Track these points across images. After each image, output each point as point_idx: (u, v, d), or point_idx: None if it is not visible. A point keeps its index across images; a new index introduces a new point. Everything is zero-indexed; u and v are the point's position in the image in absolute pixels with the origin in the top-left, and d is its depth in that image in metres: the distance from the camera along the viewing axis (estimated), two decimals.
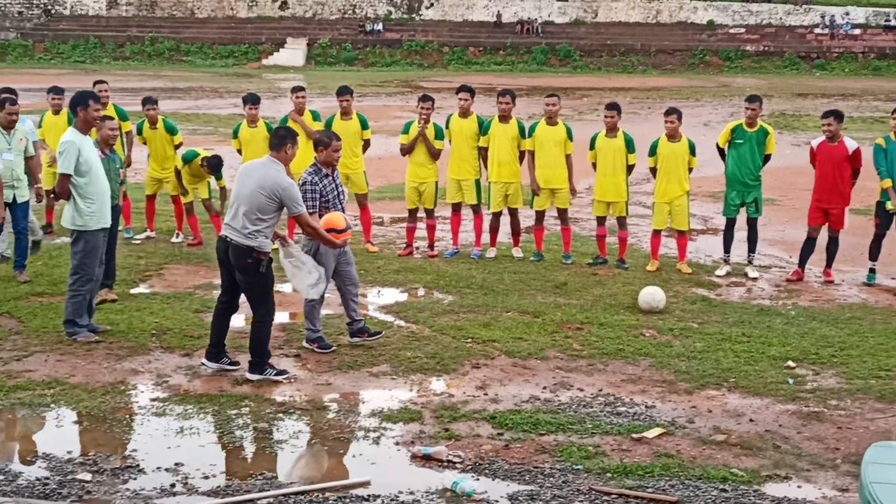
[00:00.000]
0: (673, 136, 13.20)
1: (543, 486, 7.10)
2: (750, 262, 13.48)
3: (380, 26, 62.44)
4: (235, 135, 14.52)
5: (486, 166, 13.83)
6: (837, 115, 12.97)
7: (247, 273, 9.01)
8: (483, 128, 13.63)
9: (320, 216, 9.61)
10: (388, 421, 8.23)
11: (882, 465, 5.71)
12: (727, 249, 13.52)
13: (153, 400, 8.60)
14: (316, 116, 14.52)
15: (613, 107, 13.45)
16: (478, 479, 7.19)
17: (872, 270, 13.10)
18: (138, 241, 14.45)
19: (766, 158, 13.27)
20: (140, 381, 9.06)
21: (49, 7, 65.98)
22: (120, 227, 12.43)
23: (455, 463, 7.45)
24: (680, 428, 8.19)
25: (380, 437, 7.94)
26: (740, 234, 13.55)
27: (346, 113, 14.05)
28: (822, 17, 62.31)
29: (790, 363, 9.78)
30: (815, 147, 13.15)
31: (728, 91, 45.10)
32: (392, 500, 6.90)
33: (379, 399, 8.76)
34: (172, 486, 7.05)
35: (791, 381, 9.31)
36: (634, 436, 7.97)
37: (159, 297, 11.67)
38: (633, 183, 15.33)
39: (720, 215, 14.46)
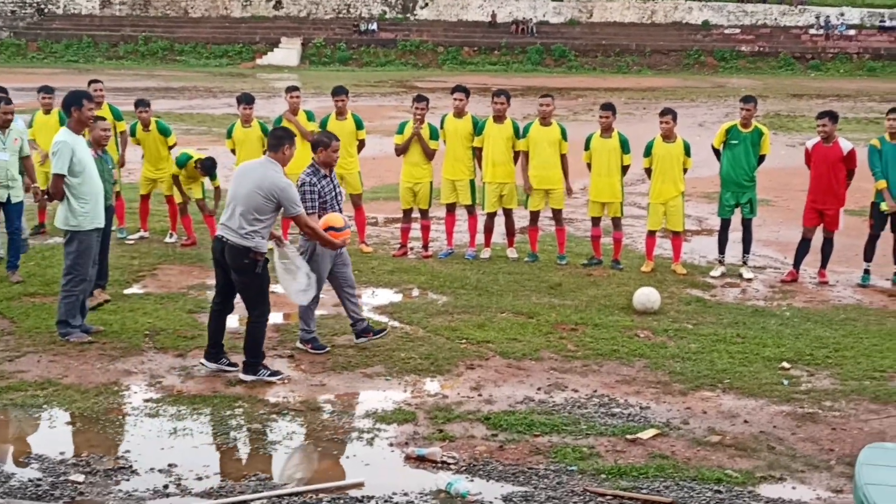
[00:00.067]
0: (668, 136, 13.20)
1: (538, 488, 7.09)
2: (744, 263, 13.47)
3: (374, 26, 62.41)
4: (229, 135, 14.48)
5: (480, 167, 13.81)
6: (832, 116, 12.98)
7: (243, 273, 8.99)
8: (478, 128, 13.62)
9: (319, 217, 9.59)
10: (382, 422, 8.21)
11: (876, 466, 5.70)
12: (722, 250, 13.53)
13: (146, 401, 8.58)
14: (310, 116, 14.50)
15: (608, 107, 13.45)
16: (472, 481, 7.17)
17: (867, 271, 13.10)
18: (132, 242, 14.42)
19: (761, 159, 13.28)
20: (133, 381, 9.03)
21: (42, 6, 65.83)
22: (113, 228, 12.40)
23: (449, 464, 7.43)
24: (674, 429, 8.18)
25: (374, 438, 7.93)
26: (735, 234, 13.55)
27: (341, 113, 14.02)
28: (817, 17, 62.37)
29: (785, 364, 9.78)
30: (809, 148, 13.15)
31: (723, 91, 45.12)
32: (386, 501, 6.89)
33: (373, 400, 8.74)
34: (165, 487, 7.03)
35: (786, 382, 9.31)
36: (629, 437, 7.96)
37: (153, 298, 11.64)
38: (628, 183, 15.32)
39: (715, 216, 14.48)
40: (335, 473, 7.35)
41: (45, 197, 11.21)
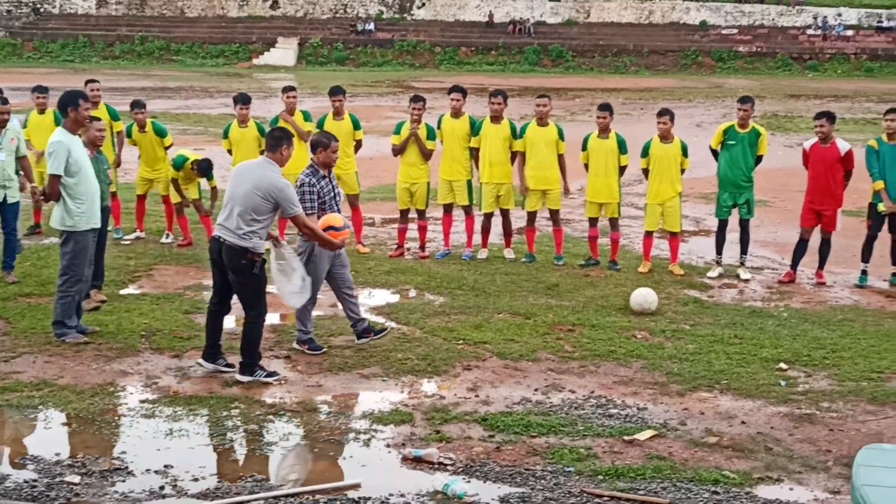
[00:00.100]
0: (665, 137, 13.19)
1: (535, 489, 7.08)
2: (742, 264, 13.46)
3: (371, 26, 62.35)
4: (226, 135, 14.47)
5: (477, 167, 13.80)
6: (830, 117, 12.97)
7: (240, 274, 8.97)
8: (475, 128, 13.60)
9: (318, 217, 9.56)
10: (379, 423, 8.20)
11: (873, 467, 5.69)
12: (719, 251, 13.51)
13: (142, 402, 8.56)
14: (307, 117, 14.48)
15: (605, 107, 13.44)
16: (469, 482, 7.17)
17: (864, 272, 13.10)
18: (128, 242, 14.39)
19: (759, 160, 13.27)
20: (129, 382, 9.01)
21: (38, 6, 65.71)
22: (109, 228, 12.37)
23: (446, 465, 7.42)
24: (672, 430, 8.17)
25: (370, 438, 7.91)
26: (732, 235, 13.53)
27: (338, 113, 14.00)
28: (815, 18, 62.37)
29: (782, 365, 9.77)
30: (807, 148, 13.14)
31: (720, 92, 45.11)
32: (383, 502, 6.88)
33: (370, 401, 8.73)
34: (162, 488, 7.01)
35: (783, 382, 9.30)
36: (626, 438, 7.95)
37: (149, 298, 11.61)
38: (626, 184, 15.29)
39: (712, 217, 14.48)
40: (332, 474, 7.34)
41: (42, 197, 11.18)
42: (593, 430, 8.11)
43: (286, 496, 6.92)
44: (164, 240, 14.52)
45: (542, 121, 13.46)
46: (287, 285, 9.30)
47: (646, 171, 13.45)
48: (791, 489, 7.21)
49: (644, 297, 11.52)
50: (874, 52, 59.28)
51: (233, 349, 9.42)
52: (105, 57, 58.94)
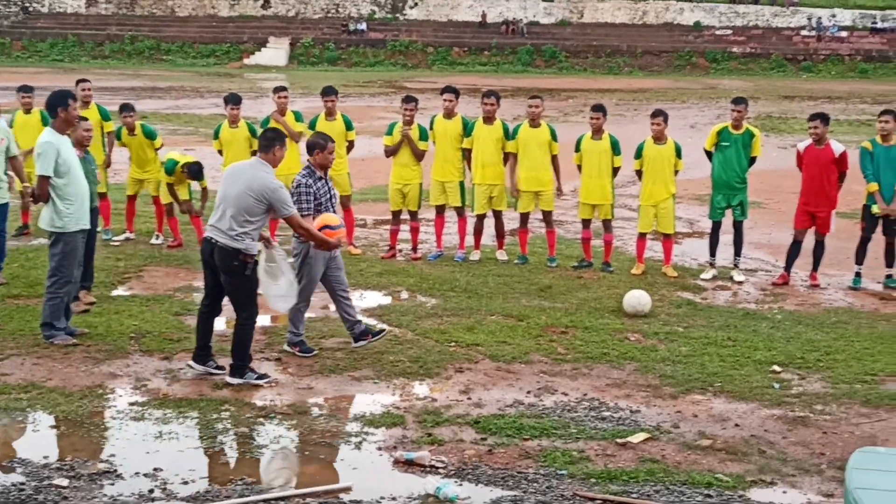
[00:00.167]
0: (659, 138, 13.16)
1: (527, 492, 7.05)
2: (736, 266, 13.43)
3: (363, 26, 62.33)
4: (216, 135, 14.40)
5: (470, 168, 13.76)
6: (824, 118, 12.95)
7: (232, 275, 8.93)
8: (467, 129, 13.56)
9: (313, 219, 9.53)
10: (371, 425, 8.15)
11: (866, 470, 5.65)
12: (713, 253, 13.48)
13: (132, 404, 8.49)
14: (298, 117, 14.43)
15: (599, 108, 13.42)
16: (461, 485, 7.13)
17: (858, 274, 13.08)
18: (117, 243, 14.31)
19: (752, 161, 13.24)
20: (118, 384, 8.94)
21: (27, 4, 65.51)
22: (99, 229, 12.30)
23: (438, 468, 7.38)
24: (665, 433, 8.14)
25: (362, 441, 7.87)
26: (726, 237, 13.51)
27: (330, 113, 13.95)
28: (809, 18, 62.51)
29: (776, 367, 9.75)
30: (801, 150, 13.12)
31: (714, 93, 45.16)
32: None
33: (361, 403, 8.69)
34: (151, 491, 6.95)
35: (776, 385, 9.27)
36: (619, 441, 7.92)
37: (138, 300, 11.55)
38: (619, 185, 15.29)
39: (706, 218, 14.45)
40: (323, 477, 7.28)
41: (31, 198, 11.11)
42: (586, 432, 8.07)
43: (277, 499, 6.87)
44: (153, 241, 14.45)
45: (534, 122, 13.41)
46: (273, 287, 9.26)
47: (639, 173, 13.42)
48: (784, 492, 7.18)
49: (637, 299, 11.48)
50: (868, 54, 59.41)
51: (223, 351, 9.37)
52: (95, 56, 58.80)
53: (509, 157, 13.54)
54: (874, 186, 12.69)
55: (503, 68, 57.53)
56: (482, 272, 13.20)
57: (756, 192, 16.16)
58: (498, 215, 13.83)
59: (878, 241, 13.00)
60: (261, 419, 8.24)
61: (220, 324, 9.88)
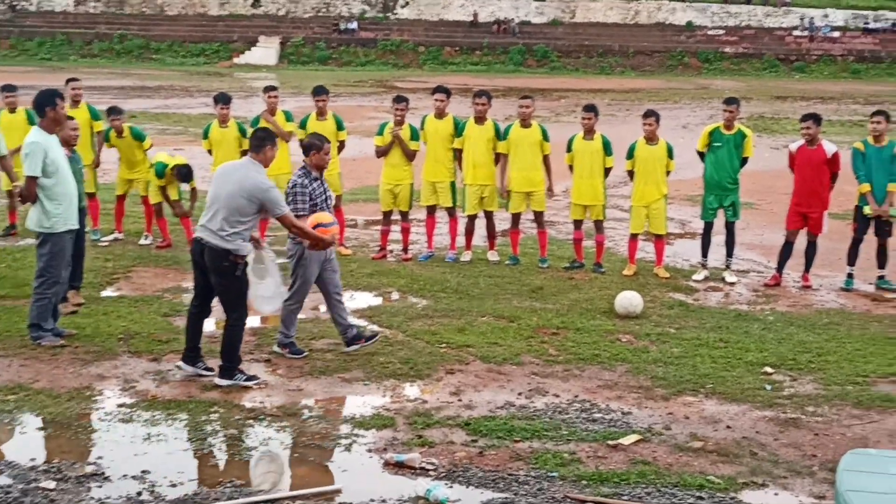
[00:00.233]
0: (651, 138, 13.14)
1: (518, 494, 7.02)
2: (727, 267, 13.41)
3: (354, 25, 62.28)
4: (206, 135, 14.35)
5: (461, 168, 13.72)
6: (816, 119, 12.93)
7: (223, 276, 8.88)
8: (458, 129, 13.52)
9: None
10: (361, 427, 8.11)
11: (857, 472, 5.64)
12: (705, 254, 13.46)
13: (120, 406, 8.44)
14: (289, 117, 14.39)
15: (591, 109, 13.38)
16: (451, 487, 7.09)
17: (850, 275, 13.07)
18: (105, 244, 14.23)
19: (744, 161, 13.22)
20: (106, 386, 8.89)
21: (14, 2, 65.26)
22: (87, 229, 12.23)
23: (428, 470, 7.35)
24: (656, 434, 8.12)
25: (352, 443, 7.83)
26: (718, 238, 13.49)
27: (321, 113, 13.92)
28: (802, 19, 62.64)
29: (767, 369, 9.73)
30: (793, 151, 13.10)
31: (707, 93, 45.23)
32: None
33: (351, 405, 8.65)
34: (139, 494, 6.90)
35: (768, 387, 9.26)
36: (610, 443, 7.89)
37: (127, 301, 11.49)
38: (611, 186, 15.26)
39: (698, 219, 14.44)
40: (312, 479, 7.24)
41: (19, 198, 11.05)
42: (577, 434, 8.04)
43: (266, 502, 6.83)
44: (142, 241, 14.37)
45: (525, 122, 13.38)
46: (260, 288, 9.22)
47: (631, 173, 13.39)
48: (776, 494, 7.16)
49: (629, 300, 11.46)
50: (861, 54, 59.58)
51: (212, 352, 9.31)
52: (83, 55, 58.64)
53: (500, 158, 13.51)
54: (866, 187, 12.69)
55: (495, 68, 57.52)
56: (473, 273, 13.16)
57: (748, 193, 16.16)
58: (489, 216, 13.79)
59: (870, 242, 13.00)
60: (250, 421, 8.19)
61: (210, 325, 9.83)
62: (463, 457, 7.59)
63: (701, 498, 7.01)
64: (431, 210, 13.91)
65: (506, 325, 10.93)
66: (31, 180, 9.60)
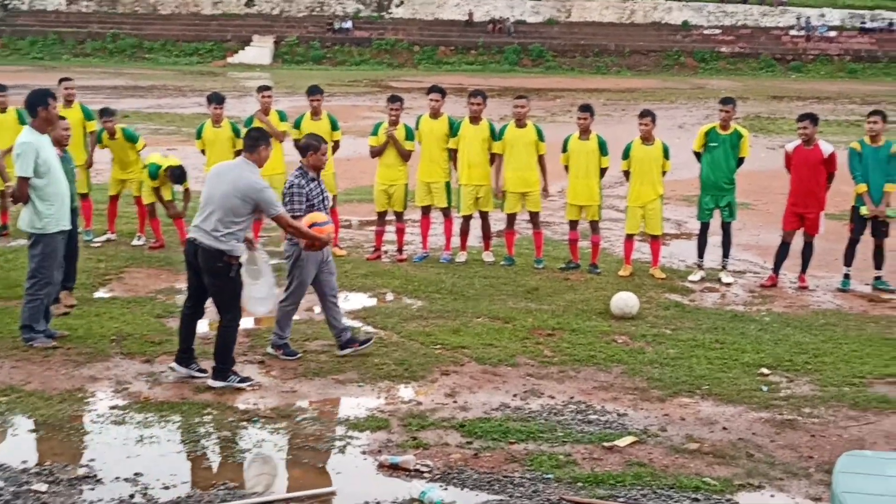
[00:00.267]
0: (647, 138, 13.11)
1: (513, 496, 6.99)
2: (724, 268, 13.38)
3: (348, 24, 62.24)
4: (199, 135, 14.30)
5: (456, 168, 13.68)
6: (813, 119, 12.91)
7: (217, 277, 8.84)
8: (453, 129, 13.48)
9: None
10: (355, 429, 8.08)
11: (853, 474, 5.60)
12: (701, 254, 13.43)
13: (112, 408, 8.39)
14: (282, 116, 14.33)
15: (586, 108, 13.35)
16: (446, 489, 7.07)
17: (847, 276, 13.06)
18: (98, 244, 14.18)
19: (740, 161, 13.20)
20: (99, 388, 8.84)
21: (6, 2, 65.10)
22: (80, 230, 12.18)
23: (423, 472, 7.32)
24: (652, 436, 8.09)
25: (346, 445, 7.80)
26: (714, 238, 13.47)
27: (316, 113, 13.88)
28: (798, 18, 62.71)
29: (764, 370, 9.71)
30: (790, 151, 13.08)
31: (703, 93, 45.26)
32: None
33: (345, 407, 8.62)
34: (132, 496, 6.87)
35: (765, 388, 9.23)
36: (606, 444, 7.86)
37: (119, 302, 11.44)
38: (606, 186, 15.25)
39: (694, 219, 14.42)
40: (306, 481, 7.21)
41: (11, 199, 11.00)
42: (573, 436, 8.02)
43: None
44: (135, 242, 14.32)
45: (520, 122, 13.34)
46: (253, 288, 9.19)
47: (627, 174, 13.37)
48: (772, 496, 7.14)
49: (625, 301, 11.43)
50: (857, 54, 59.68)
51: (206, 354, 9.26)
52: (76, 54, 58.47)
53: (495, 158, 13.47)
54: (863, 187, 12.67)
55: (490, 67, 57.51)
56: (468, 274, 13.13)
57: (744, 194, 16.14)
58: (484, 216, 13.76)
59: (866, 242, 12.98)
60: (244, 423, 8.15)
61: (203, 326, 9.79)
62: (458, 459, 7.56)
63: (697, 500, 7.00)
64: (426, 210, 13.87)
65: (501, 327, 10.89)
66: (24, 181, 9.54)
